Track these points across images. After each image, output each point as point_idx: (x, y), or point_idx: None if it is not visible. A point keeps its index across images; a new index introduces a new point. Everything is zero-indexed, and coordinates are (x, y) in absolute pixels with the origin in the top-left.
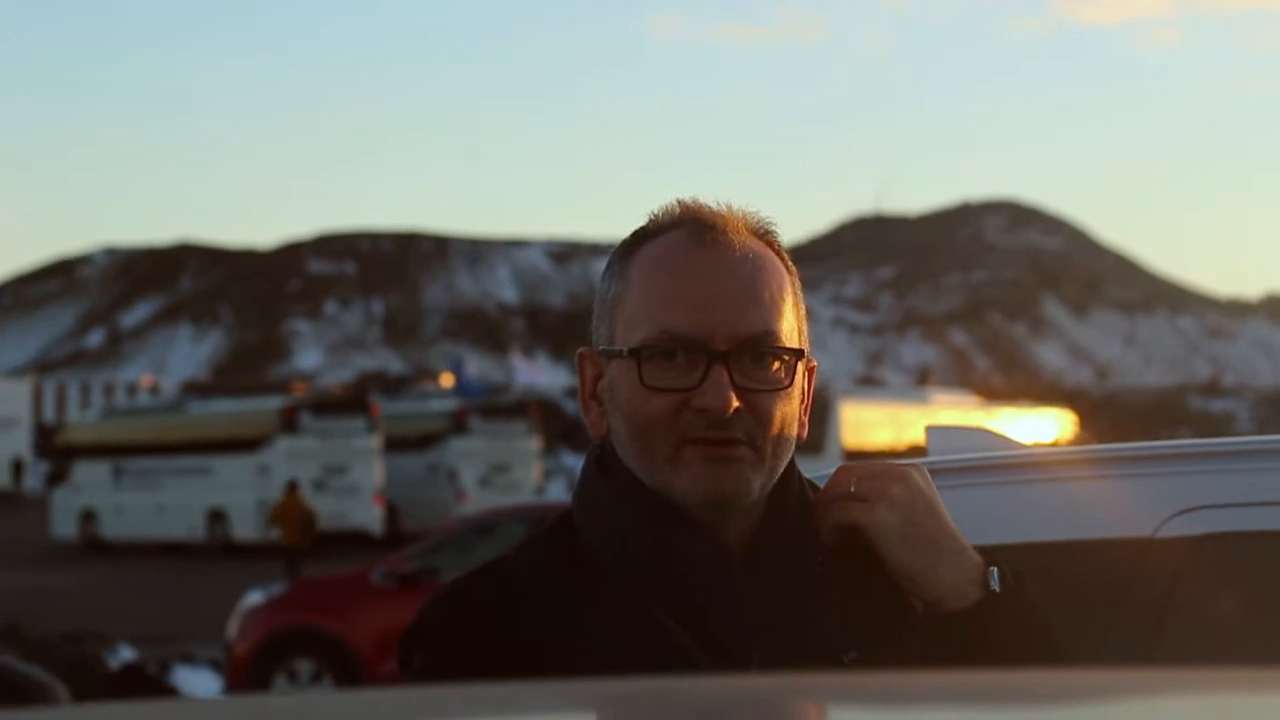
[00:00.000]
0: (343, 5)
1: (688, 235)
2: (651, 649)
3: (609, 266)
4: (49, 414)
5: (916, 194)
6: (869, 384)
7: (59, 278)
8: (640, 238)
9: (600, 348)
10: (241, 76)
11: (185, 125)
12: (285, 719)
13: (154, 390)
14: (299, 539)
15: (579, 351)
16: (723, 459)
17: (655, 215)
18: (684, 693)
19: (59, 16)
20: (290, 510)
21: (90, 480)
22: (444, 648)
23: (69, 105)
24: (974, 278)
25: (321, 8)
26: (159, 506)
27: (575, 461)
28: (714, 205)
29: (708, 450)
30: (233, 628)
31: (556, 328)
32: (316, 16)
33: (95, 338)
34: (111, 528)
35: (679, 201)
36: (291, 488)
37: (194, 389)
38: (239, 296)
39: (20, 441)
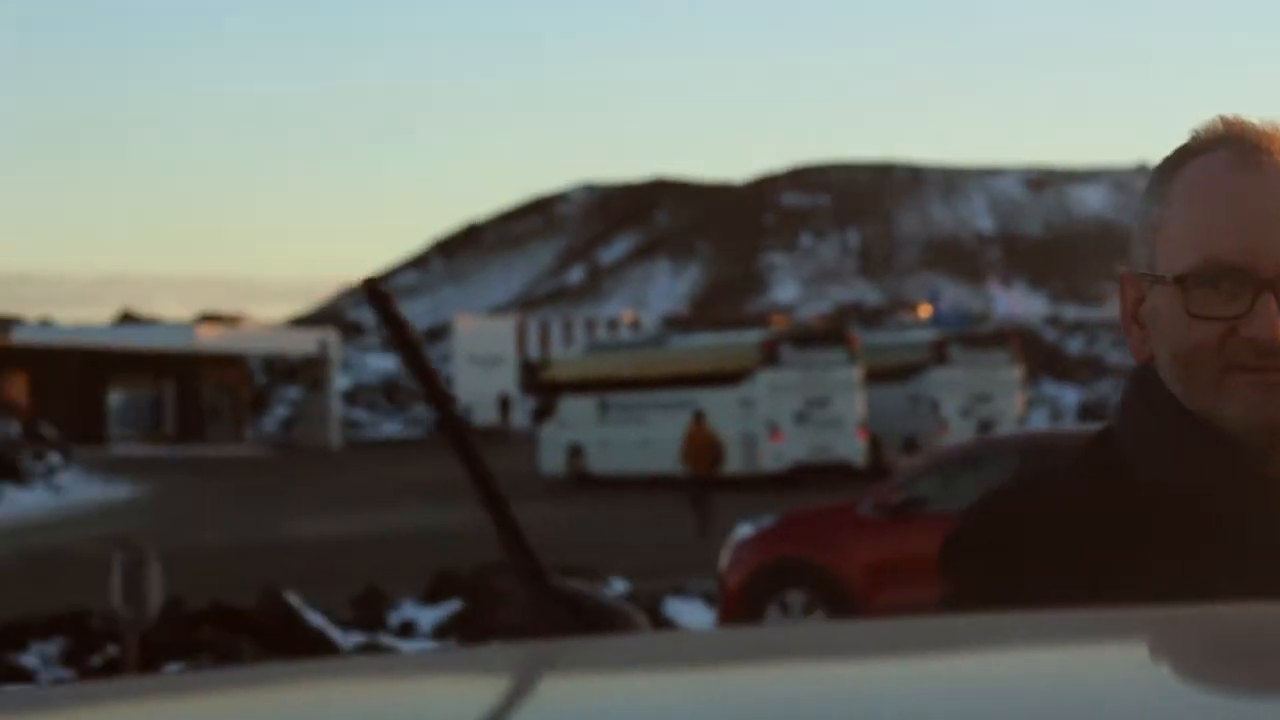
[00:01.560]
0: None
1: (1231, 156)
2: (1189, 579)
3: (1149, 187)
4: (533, 351)
5: None
6: None
7: (539, 215)
8: (1181, 157)
9: (1141, 271)
10: (704, 10)
11: (656, 62)
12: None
13: (635, 326)
14: (707, 469)
15: (1120, 272)
16: (1275, 385)
17: (1197, 133)
18: (1240, 618)
19: None
20: (696, 440)
21: (576, 415)
22: (989, 557)
23: (535, 47)
24: None
25: None
26: (644, 441)
27: (1056, 391)
28: (1259, 124)
29: (1258, 377)
30: (724, 560)
31: (1034, 256)
32: None
33: (575, 274)
34: (598, 462)
35: (1222, 119)
36: (698, 418)
37: (674, 324)
38: (714, 231)
39: (507, 378)
